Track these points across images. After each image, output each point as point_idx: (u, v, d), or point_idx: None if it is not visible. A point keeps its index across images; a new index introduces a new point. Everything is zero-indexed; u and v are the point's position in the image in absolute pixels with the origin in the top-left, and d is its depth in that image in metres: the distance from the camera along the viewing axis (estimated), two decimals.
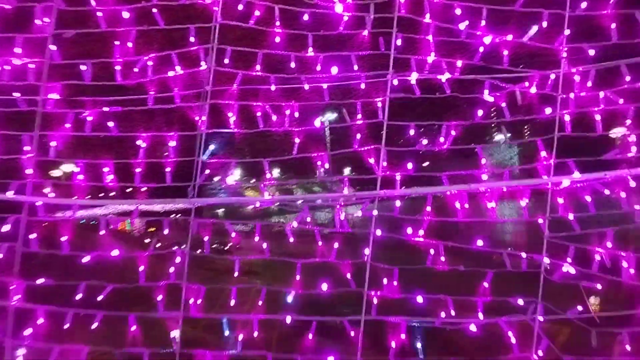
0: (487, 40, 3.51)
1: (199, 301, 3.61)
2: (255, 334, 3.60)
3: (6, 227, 3.59)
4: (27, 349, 3.69)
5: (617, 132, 4.08)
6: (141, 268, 3.65)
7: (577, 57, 3.51)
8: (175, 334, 3.67)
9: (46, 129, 3.74)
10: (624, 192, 3.43)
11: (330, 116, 3.72)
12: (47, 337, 3.67)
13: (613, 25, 3.48)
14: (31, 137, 3.68)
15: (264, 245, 3.63)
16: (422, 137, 3.59)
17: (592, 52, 3.53)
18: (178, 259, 3.55)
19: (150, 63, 3.68)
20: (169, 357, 3.65)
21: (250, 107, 3.64)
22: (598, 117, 3.54)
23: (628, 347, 3.44)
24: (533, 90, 3.51)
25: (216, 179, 4.05)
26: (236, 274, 3.61)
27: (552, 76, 3.52)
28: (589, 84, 3.52)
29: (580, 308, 3.48)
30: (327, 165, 3.57)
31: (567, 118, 3.53)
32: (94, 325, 3.60)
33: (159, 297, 3.64)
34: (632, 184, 3.38)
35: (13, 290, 3.61)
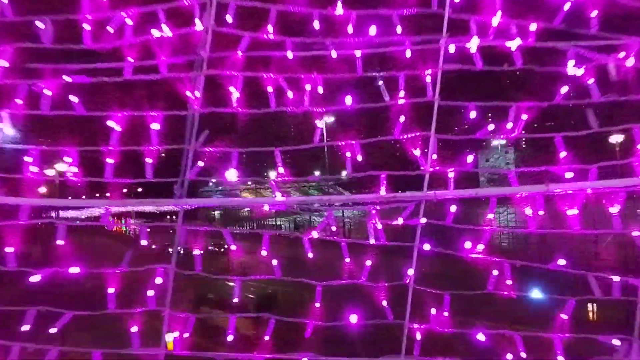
0: None
1: (185, 335, 2.75)
2: None
3: None
4: None
5: None
6: (111, 290, 2.77)
7: None
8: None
9: None
10: None
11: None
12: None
13: None
14: None
15: (274, 262, 2.77)
16: (484, 122, 2.75)
17: None
18: (159, 280, 2.68)
19: (129, 22, 2.83)
20: None
21: (259, 80, 2.79)
22: None
23: None
24: (630, 62, 2.69)
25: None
26: (236, 300, 2.74)
27: None
28: None
29: None
30: (359, 158, 2.71)
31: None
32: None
33: (134, 329, 2.77)
34: None
35: None
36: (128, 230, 41.10)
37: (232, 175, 2.70)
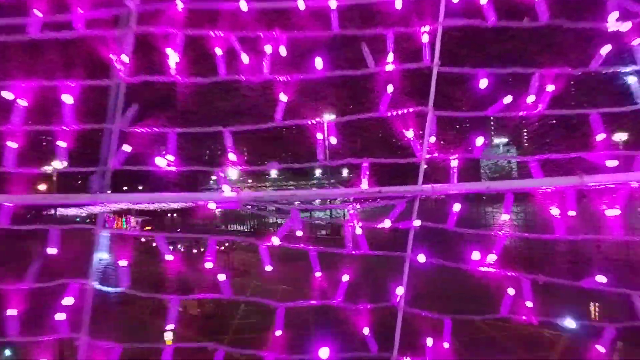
0: None
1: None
2: None
3: None
4: None
5: None
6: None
7: None
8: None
9: None
10: None
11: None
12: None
13: None
14: None
15: (222, 278, 2.12)
16: (498, 94, 2.10)
17: None
18: (69, 301, 2.03)
19: None
20: None
21: (205, 40, 2.14)
22: None
23: None
24: None
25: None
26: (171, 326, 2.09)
27: None
28: None
29: None
30: (334, 140, 2.07)
31: None
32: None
33: None
34: None
35: None
36: (129, 228, 40.38)
37: (162, 162, 2.05)
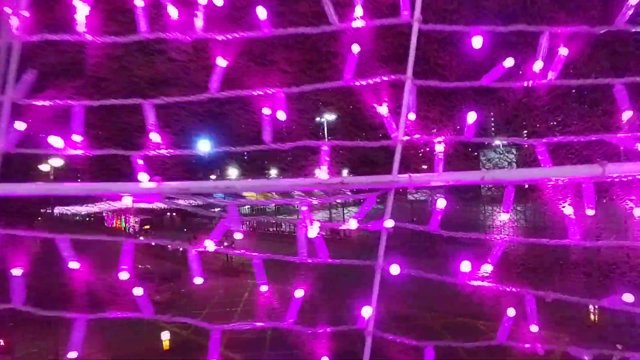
0: None
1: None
2: None
3: None
4: None
5: None
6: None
7: None
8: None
9: None
10: None
11: None
12: None
13: None
14: None
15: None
16: (497, 57, 1.63)
17: None
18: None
19: None
20: None
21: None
22: None
23: None
24: None
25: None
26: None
27: None
28: None
29: None
30: (282, 116, 1.61)
31: None
32: None
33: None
34: None
35: None
36: (128, 227, 39.96)
37: (57, 142, 1.59)
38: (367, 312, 1.60)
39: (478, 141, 1.66)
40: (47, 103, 1.66)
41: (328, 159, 1.61)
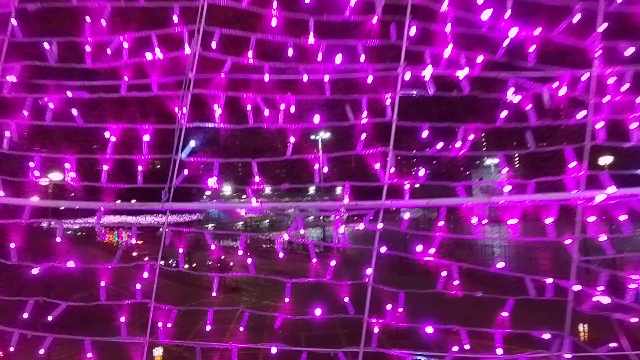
0: (512, 33, 3.19)
1: (169, 325, 3.17)
2: None
3: None
4: None
5: None
6: (102, 284, 3.20)
7: (612, 57, 3.21)
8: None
9: (0, 116, 3.32)
10: None
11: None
12: None
13: None
14: None
15: (249, 261, 3.22)
16: (436, 141, 3.23)
17: (629, 52, 3.23)
18: (145, 274, 3.11)
19: (126, 45, 3.32)
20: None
21: (239, 99, 3.26)
22: (634, 125, 3.22)
23: None
24: (562, 92, 3.19)
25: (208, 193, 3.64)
26: (214, 294, 3.17)
27: (584, 77, 3.20)
28: (625, 87, 3.21)
29: (613, 345, 3.10)
30: (325, 169, 3.19)
31: (599, 125, 3.21)
32: (41, 351, 3.12)
33: (122, 319, 3.19)
34: None
35: None
36: (120, 242, 41.35)
37: (212, 182, 3.15)
38: (369, 271, 3.14)
39: (426, 183, 3.23)
40: (198, 160, 3.22)
41: (348, 192, 3.17)
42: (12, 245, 3.22)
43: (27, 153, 3.32)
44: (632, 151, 3.27)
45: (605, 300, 3.05)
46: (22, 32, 3.35)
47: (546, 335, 3.12)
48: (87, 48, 3.31)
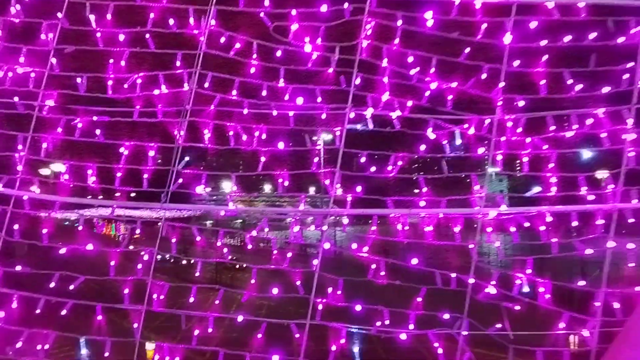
0: (434, 85, 4.23)
1: (161, 297, 4.17)
2: (210, 330, 4.16)
3: None
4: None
5: (602, 174, 4.62)
6: (112, 263, 4.22)
7: (509, 106, 4.24)
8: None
9: (39, 131, 4.36)
10: (544, 226, 4.11)
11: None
12: (19, 321, 4.19)
13: (542, 82, 4.21)
14: (25, 137, 4.30)
15: (225, 250, 4.23)
16: (372, 164, 4.25)
17: (522, 103, 4.26)
18: (146, 257, 4.12)
19: (139, 81, 4.35)
20: (129, 346, 4.16)
21: (224, 126, 4.30)
22: (525, 159, 4.25)
23: None
24: (471, 131, 4.23)
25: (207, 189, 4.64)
26: (197, 274, 4.18)
27: (488, 121, 4.23)
28: (519, 129, 4.24)
29: (499, 326, 4.08)
30: (286, 183, 4.21)
31: (498, 157, 4.24)
32: (64, 312, 4.12)
33: (126, 291, 4.19)
34: (549, 219, 4.06)
35: None
36: (118, 235, 42.47)
37: (200, 189, 4.17)
38: (315, 262, 4.14)
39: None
40: (190, 171, 4.25)
41: (304, 200, 4.20)
42: (44, 230, 4.24)
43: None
44: (522, 179, 4.29)
45: (493, 291, 4.05)
46: (59, 67, 4.39)
47: (446, 316, 4.12)
48: (109, 82, 4.35)
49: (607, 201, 4.06)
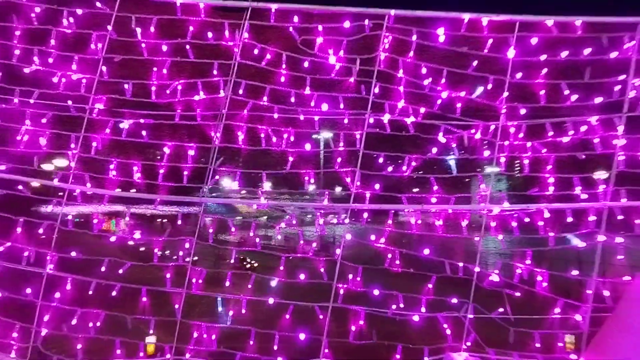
0: (445, 94, 4.74)
1: (200, 281, 4.69)
2: (243, 311, 4.68)
3: (49, 208, 4.71)
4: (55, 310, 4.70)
5: (599, 174, 5.11)
6: (156, 250, 4.74)
7: (512, 114, 4.75)
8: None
9: (90, 132, 4.87)
10: (542, 222, 4.62)
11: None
12: (73, 301, 4.70)
13: (542, 92, 4.72)
14: (77, 137, 4.81)
15: (257, 240, 4.75)
16: (389, 164, 4.76)
17: (523, 111, 4.77)
18: (187, 245, 4.64)
19: (179, 87, 4.87)
20: (171, 325, 4.67)
21: (256, 129, 4.80)
22: (526, 162, 4.76)
23: (538, 345, 4.57)
24: (477, 136, 4.73)
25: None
26: (232, 261, 4.70)
27: (493, 127, 4.74)
28: (521, 135, 4.74)
29: (501, 310, 4.59)
30: (312, 181, 4.72)
31: (502, 159, 4.74)
32: (113, 293, 4.64)
33: (167, 275, 4.72)
34: (547, 215, 4.57)
35: (48, 260, 4.65)
36: (118, 230, 43.01)
37: (234, 185, 4.69)
38: (338, 251, 4.65)
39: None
40: (226, 170, 4.77)
41: (327, 196, 4.70)
42: (95, 220, 4.76)
43: (108, 158, 4.87)
44: (523, 179, 4.79)
45: (496, 279, 4.57)
46: (108, 74, 4.90)
47: (454, 300, 4.63)
48: (153, 88, 4.86)
49: (598, 200, 4.57)
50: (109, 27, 4.82)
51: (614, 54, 4.66)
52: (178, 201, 5.07)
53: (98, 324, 4.64)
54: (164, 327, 4.79)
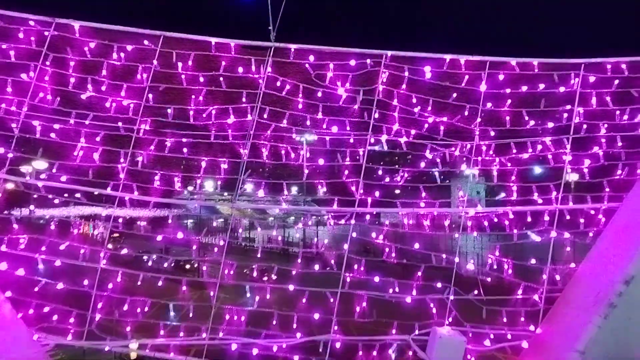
0: (431, 119, 5.93)
1: (231, 272, 5.73)
2: (268, 296, 5.74)
3: (107, 211, 5.67)
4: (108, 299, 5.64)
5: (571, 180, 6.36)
6: (194, 247, 5.76)
7: (484, 135, 5.98)
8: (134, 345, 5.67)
9: (137, 148, 5.85)
10: (507, 221, 5.85)
11: None
12: (123, 291, 5.67)
13: (507, 118, 5.96)
14: (126, 153, 5.79)
15: (279, 238, 5.80)
16: (386, 176, 5.92)
17: (493, 133, 6.01)
18: (221, 242, 5.67)
19: (213, 112, 5.90)
20: (207, 310, 5.67)
21: (278, 146, 5.88)
22: (495, 173, 6.00)
23: (504, 319, 5.79)
24: (457, 153, 5.94)
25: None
26: (259, 256, 5.74)
27: (469, 145, 5.95)
28: (491, 152, 5.98)
29: (476, 292, 5.79)
30: (324, 189, 5.82)
31: (475, 172, 5.97)
32: (160, 283, 5.63)
33: (204, 268, 5.73)
34: (511, 216, 5.81)
35: (101, 257, 5.59)
36: (96, 233, 43.07)
37: (261, 193, 5.75)
38: (346, 246, 5.76)
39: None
40: (252, 180, 5.83)
41: (337, 201, 5.82)
42: (143, 223, 5.74)
43: (152, 171, 5.86)
44: (493, 187, 6.02)
45: (471, 267, 5.77)
46: (153, 100, 5.90)
47: (439, 285, 5.81)
48: (191, 112, 5.89)
49: (551, 203, 5.84)
50: (155, 62, 5.82)
51: (562, 88, 5.95)
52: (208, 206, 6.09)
53: (146, 309, 5.62)
54: (198, 311, 5.81)
